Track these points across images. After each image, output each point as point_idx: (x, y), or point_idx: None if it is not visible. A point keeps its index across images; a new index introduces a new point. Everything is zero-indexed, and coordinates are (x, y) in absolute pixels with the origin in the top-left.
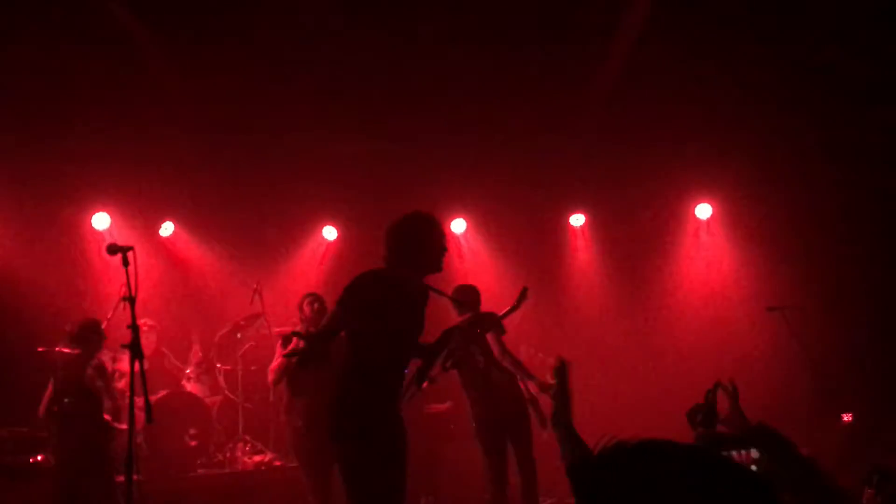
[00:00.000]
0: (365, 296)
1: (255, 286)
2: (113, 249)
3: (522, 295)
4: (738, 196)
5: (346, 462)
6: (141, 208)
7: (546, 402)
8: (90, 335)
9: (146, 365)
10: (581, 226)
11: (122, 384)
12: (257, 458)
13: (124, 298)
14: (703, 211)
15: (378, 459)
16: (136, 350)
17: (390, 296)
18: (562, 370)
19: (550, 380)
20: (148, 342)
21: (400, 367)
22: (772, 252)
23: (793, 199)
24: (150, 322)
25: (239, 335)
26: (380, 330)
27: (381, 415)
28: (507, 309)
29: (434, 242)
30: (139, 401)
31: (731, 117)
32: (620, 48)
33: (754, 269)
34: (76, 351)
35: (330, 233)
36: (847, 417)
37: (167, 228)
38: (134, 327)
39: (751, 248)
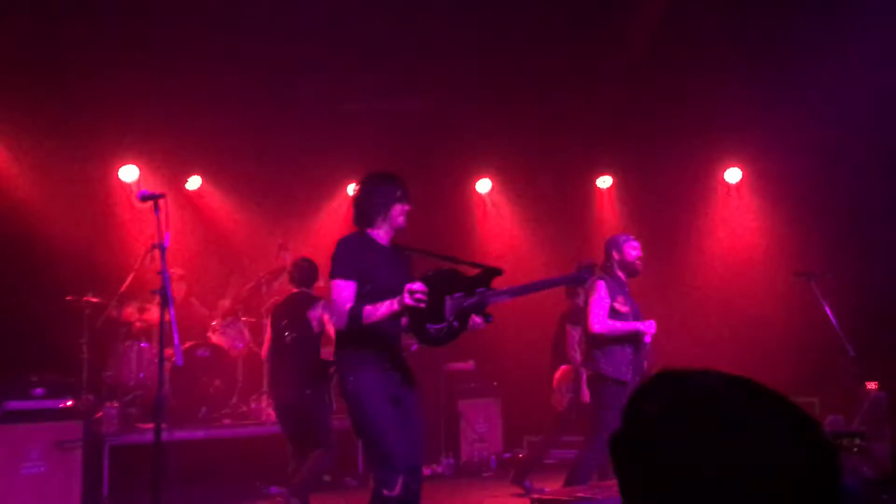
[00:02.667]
0: (346, 258)
1: (280, 241)
2: (145, 197)
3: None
4: (767, 160)
5: (352, 418)
6: (168, 161)
7: None
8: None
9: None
10: (608, 188)
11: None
12: None
13: (155, 246)
14: (733, 175)
15: (374, 404)
16: (165, 297)
17: (366, 255)
18: None
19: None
20: (178, 290)
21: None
22: (800, 217)
23: (822, 163)
24: (179, 271)
25: (264, 289)
26: (365, 290)
27: (374, 365)
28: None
29: (388, 200)
30: (168, 349)
31: (762, 81)
32: (652, 9)
33: (782, 233)
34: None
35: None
36: (872, 386)
37: (194, 182)
38: (164, 274)
39: (779, 212)
